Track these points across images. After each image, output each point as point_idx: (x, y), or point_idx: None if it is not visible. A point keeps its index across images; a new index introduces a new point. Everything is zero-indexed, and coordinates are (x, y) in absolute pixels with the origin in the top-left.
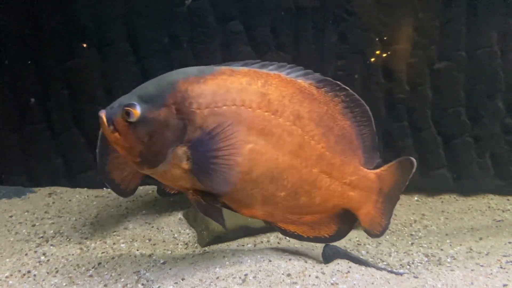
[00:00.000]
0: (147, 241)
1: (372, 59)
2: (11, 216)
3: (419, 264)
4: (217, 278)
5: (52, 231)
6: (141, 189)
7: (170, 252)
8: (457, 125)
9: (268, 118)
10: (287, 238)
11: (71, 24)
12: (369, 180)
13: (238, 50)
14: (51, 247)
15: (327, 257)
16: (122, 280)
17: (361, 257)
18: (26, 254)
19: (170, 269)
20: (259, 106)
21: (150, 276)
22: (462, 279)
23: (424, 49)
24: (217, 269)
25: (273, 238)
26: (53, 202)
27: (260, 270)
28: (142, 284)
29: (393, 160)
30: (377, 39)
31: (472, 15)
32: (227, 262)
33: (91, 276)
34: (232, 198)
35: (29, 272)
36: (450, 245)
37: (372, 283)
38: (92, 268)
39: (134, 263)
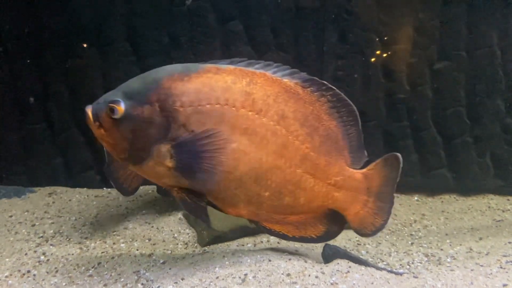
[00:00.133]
0: (147, 241)
1: (372, 59)
2: (11, 216)
3: (419, 264)
4: (217, 278)
5: (52, 231)
6: (141, 189)
7: (170, 252)
8: (457, 125)
9: (252, 117)
10: None
11: (72, 24)
12: (355, 180)
13: (238, 50)
14: (51, 246)
15: (327, 257)
16: (122, 279)
17: (361, 257)
18: (26, 254)
19: (170, 269)
20: (243, 105)
21: (150, 276)
22: (462, 279)
23: (424, 49)
24: (217, 269)
25: (273, 238)
26: (53, 202)
27: (259, 270)
28: (142, 284)
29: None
30: (377, 39)
31: (472, 15)
32: (226, 262)
33: (91, 275)
34: (217, 197)
35: (28, 271)
36: (450, 245)
37: (372, 283)
38: (92, 267)
39: (134, 263)
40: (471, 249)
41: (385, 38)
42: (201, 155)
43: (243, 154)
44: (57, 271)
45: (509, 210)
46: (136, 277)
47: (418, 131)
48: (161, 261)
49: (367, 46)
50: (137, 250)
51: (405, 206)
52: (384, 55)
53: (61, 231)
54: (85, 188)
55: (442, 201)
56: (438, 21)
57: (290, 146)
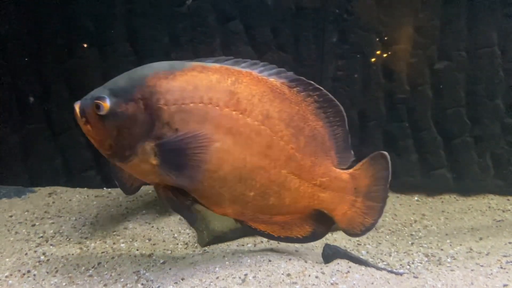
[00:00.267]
0: (147, 241)
1: (373, 59)
2: (11, 216)
3: (419, 264)
4: (217, 278)
5: (52, 231)
6: (141, 189)
7: (170, 252)
8: (457, 125)
9: (235, 117)
10: None
11: (72, 24)
12: (342, 181)
13: (238, 50)
14: (51, 246)
15: (327, 257)
16: (122, 280)
17: (361, 257)
18: (26, 254)
19: (170, 269)
20: (227, 105)
21: (150, 276)
22: (462, 279)
23: (424, 49)
24: (217, 269)
25: None
26: (53, 202)
27: (260, 270)
28: (142, 284)
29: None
30: (377, 39)
31: (472, 15)
32: (227, 262)
33: (91, 276)
34: (202, 195)
35: (29, 271)
36: (450, 245)
37: (372, 283)
38: (92, 268)
39: (134, 263)
40: (471, 249)
41: (386, 38)
42: (183, 153)
43: (226, 154)
44: (57, 271)
45: (509, 210)
46: (136, 277)
47: (418, 131)
48: (161, 261)
49: (367, 46)
50: (137, 250)
51: (405, 206)
52: (384, 55)
53: (61, 231)
54: (85, 188)
55: (442, 201)
56: (438, 21)
57: (275, 146)
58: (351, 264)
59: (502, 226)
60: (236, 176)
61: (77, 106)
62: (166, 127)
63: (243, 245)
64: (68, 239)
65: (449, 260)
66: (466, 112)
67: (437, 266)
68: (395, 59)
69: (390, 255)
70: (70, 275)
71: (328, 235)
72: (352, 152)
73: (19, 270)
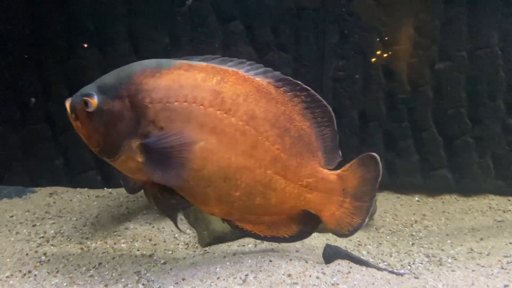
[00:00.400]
0: (148, 241)
1: (373, 60)
2: (12, 216)
3: (420, 264)
4: (218, 278)
5: (52, 231)
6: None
7: (171, 252)
8: (458, 126)
9: (219, 117)
10: None
11: (72, 24)
12: (329, 182)
13: (239, 50)
14: (52, 247)
15: (328, 258)
16: (123, 280)
17: (362, 257)
18: (26, 254)
19: (170, 269)
20: (211, 104)
21: (150, 276)
22: (463, 279)
23: (425, 49)
24: (218, 269)
25: None
26: (54, 202)
27: (260, 270)
28: (143, 284)
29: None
30: (378, 39)
31: (473, 15)
32: (227, 262)
33: (91, 276)
34: (189, 194)
35: (29, 272)
36: (451, 245)
37: (373, 284)
38: (93, 268)
39: (135, 263)
40: (472, 250)
41: (386, 39)
42: (167, 152)
43: (211, 153)
44: (58, 272)
45: (510, 210)
46: (137, 278)
47: (419, 132)
48: (162, 262)
49: (368, 46)
50: (138, 250)
51: (406, 206)
52: (385, 55)
53: (62, 231)
54: (86, 188)
55: (443, 202)
56: (439, 21)
57: (260, 146)
58: (352, 264)
59: (503, 226)
60: (221, 176)
61: (68, 103)
62: (151, 125)
63: (243, 245)
64: (69, 239)
65: (450, 260)
66: (467, 112)
67: (438, 266)
68: (395, 59)
69: (391, 256)
70: (71, 275)
71: (329, 235)
72: (340, 153)
73: (20, 271)
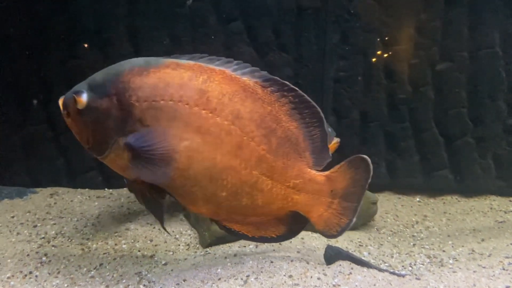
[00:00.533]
0: (149, 242)
1: (374, 60)
2: (12, 217)
3: (421, 265)
4: (219, 279)
5: (53, 232)
6: None
7: (172, 253)
8: (459, 126)
9: (205, 116)
10: None
11: (73, 25)
12: (317, 183)
13: (240, 50)
14: (53, 247)
15: (329, 259)
16: (124, 281)
17: (363, 258)
18: (27, 255)
19: (171, 270)
20: (197, 104)
21: (151, 277)
22: (464, 280)
23: (426, 50)
24: (219, 270)
25: None
26: (55, 203)
27: (261, 271)
28: (144, 285)
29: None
30: (379, 39)
31: (474, 15)
32: (228, 263)
33: (92, 277)
34: (176, 193)
35: (30, 273)
36: (452, 246)
37: (374, 285)
38: (94, 269)
39: (136, 264)
40: (473, 251)
41: (387, 39)
42: (151, 150)
43: (196, 153)
44: (59, 272)
45: (511, 211)
46: (138, 278)
47: (420, 132)
48: (163, 262)
49: (369, 47)
50: (139, 251)
51: (407, 207)
52: (386, 55)
53: (62, 232)
54: (86, 189)
55: (444, 202)
56: (440, 22)
57: (245, 147)
58: (353, 265)
59: (504, 227)
60: (207, 176)
61: (61, 100)
62: (138, 123)
63: (244, 246)
64: (69, 240)
65: (451, 261)
66: (468, 113)
67: (439, 267)
68: (396, 60)
69: (392, 257)
70: (72, 276)
71: None
72: (330, 154)
73: (21, 271)
